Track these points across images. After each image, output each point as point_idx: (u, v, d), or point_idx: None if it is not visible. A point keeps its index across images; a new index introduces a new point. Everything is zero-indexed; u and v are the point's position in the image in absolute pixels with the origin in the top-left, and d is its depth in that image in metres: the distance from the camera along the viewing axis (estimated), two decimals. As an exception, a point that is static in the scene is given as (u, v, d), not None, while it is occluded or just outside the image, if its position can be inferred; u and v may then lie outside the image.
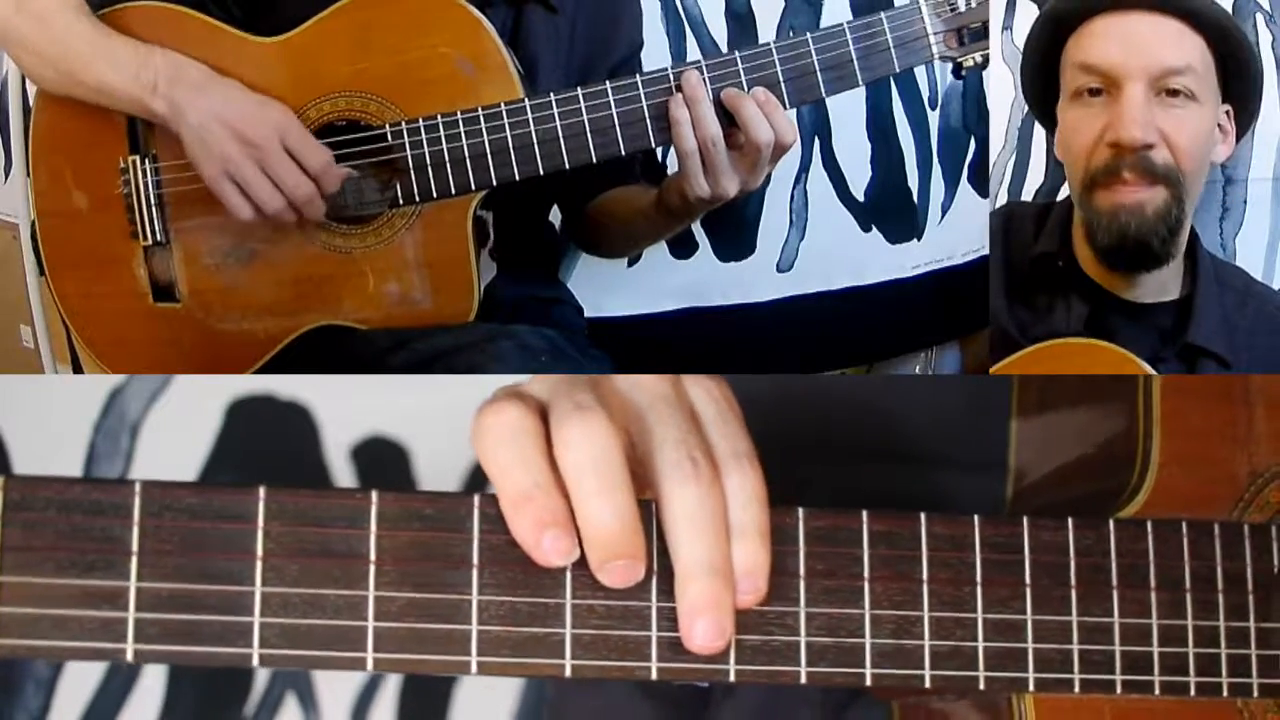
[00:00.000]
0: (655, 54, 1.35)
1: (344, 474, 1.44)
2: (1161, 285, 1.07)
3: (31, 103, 1.12)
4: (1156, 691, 0.65)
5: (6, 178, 1.47)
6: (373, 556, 0.58)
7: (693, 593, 0.59)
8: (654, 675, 0.60)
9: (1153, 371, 1.00)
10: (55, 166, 1.10)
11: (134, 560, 0.56)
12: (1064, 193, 1.15)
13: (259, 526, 0.57)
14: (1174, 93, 1.02)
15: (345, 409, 1.43)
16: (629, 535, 0.58)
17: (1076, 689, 0.64)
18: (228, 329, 1.10)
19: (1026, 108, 1.42)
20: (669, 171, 1.29)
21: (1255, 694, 0.67)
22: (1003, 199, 1.41)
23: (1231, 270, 1.16)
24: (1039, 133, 1.39)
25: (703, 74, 1.02)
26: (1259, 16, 1.34)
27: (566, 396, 0.59)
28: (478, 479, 1.39)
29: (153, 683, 1.41)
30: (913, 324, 1.56)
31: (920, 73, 1.51)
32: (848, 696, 0.82)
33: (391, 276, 1.07)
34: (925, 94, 1.52)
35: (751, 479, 0.60)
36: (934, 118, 1.53)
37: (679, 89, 1.02)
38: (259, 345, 1.10)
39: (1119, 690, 0.65)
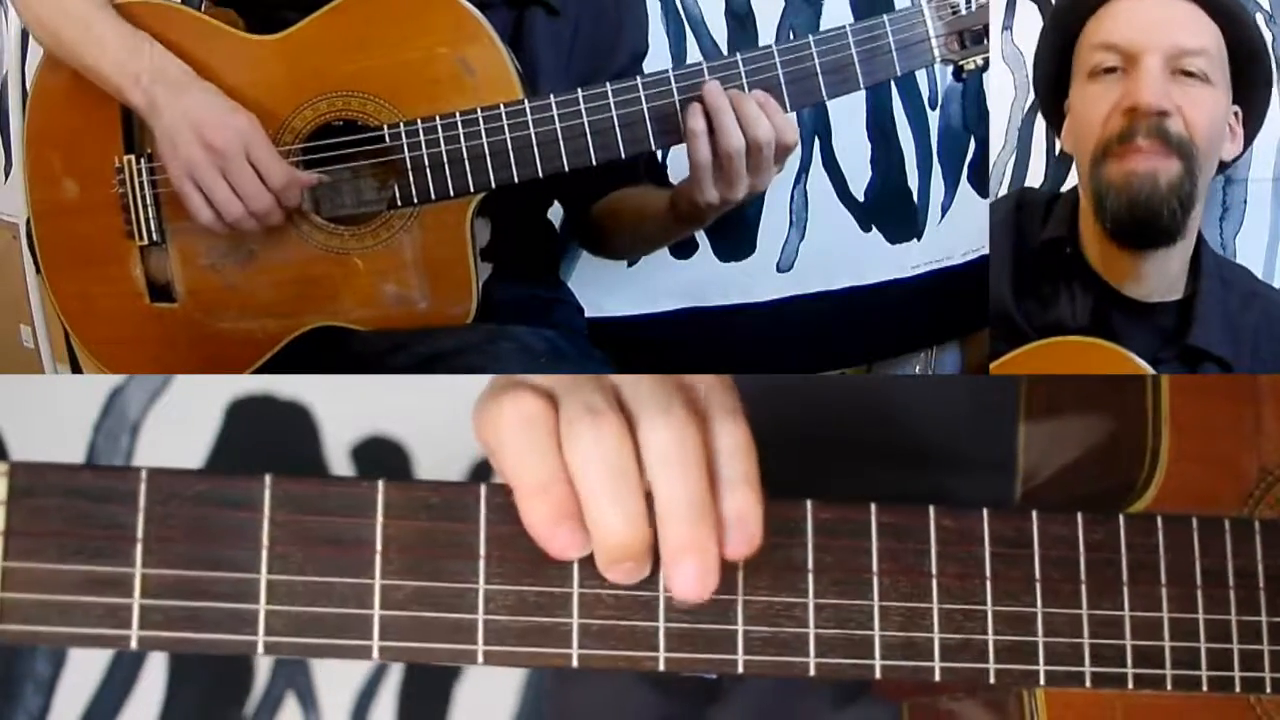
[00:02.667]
0: (655, 54, 1.35)
1: (344, 474, 1.43)
2: (1166, 283, 1.07)
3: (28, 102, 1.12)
4: (1168, 686, 0.65)
5: (6, 178, 1.47)
6: (379, 545, 0.58)
7: (673, 533, 0.57)
8: (661, 666, 0.60)
9: (1153, 372, 0.99)
10: (50, 166, 1.10)
11: (139, 547, 0.56)
12: (1066, 187, 1.15)
13: (265, 514, 0.57)
14: (1189, 73, 1.03)
15: (345, 409, 1.43)
16: (639, 540, 0.58)
17: (1088, 683, 0.64)
18: (225, 329, 1.09)
19: (1026, 107, 1.42)
20: (668, 171, 1.29)
21: (1268, 690, 0.67)
22: (1003, 199, 1.41)
23: (1236, 270, 1.16)
24: (1039, 132, 1.39)
25: (705, 77, 1.02)
26: (1259, 16, 1.34)
27: (577, 398, 0.58)
28: (479, 478, 1.38)
29: (153, 682, 1.41)
30: (913, 324, 1.56)
31: (920, 73, 1.51)
32: (855, 689, 0.82)
33: (390, 277, 1.07)
34: (925, 94, 1.52)
35: (740, 432, 0.59)
36: (934, 118, 1.53)
37: (698, 100, 1.00)
38: (257, 346, 1.10)
39: (1130, 685, 0.65)
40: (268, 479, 0.57)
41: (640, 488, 0.58)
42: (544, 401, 0.58)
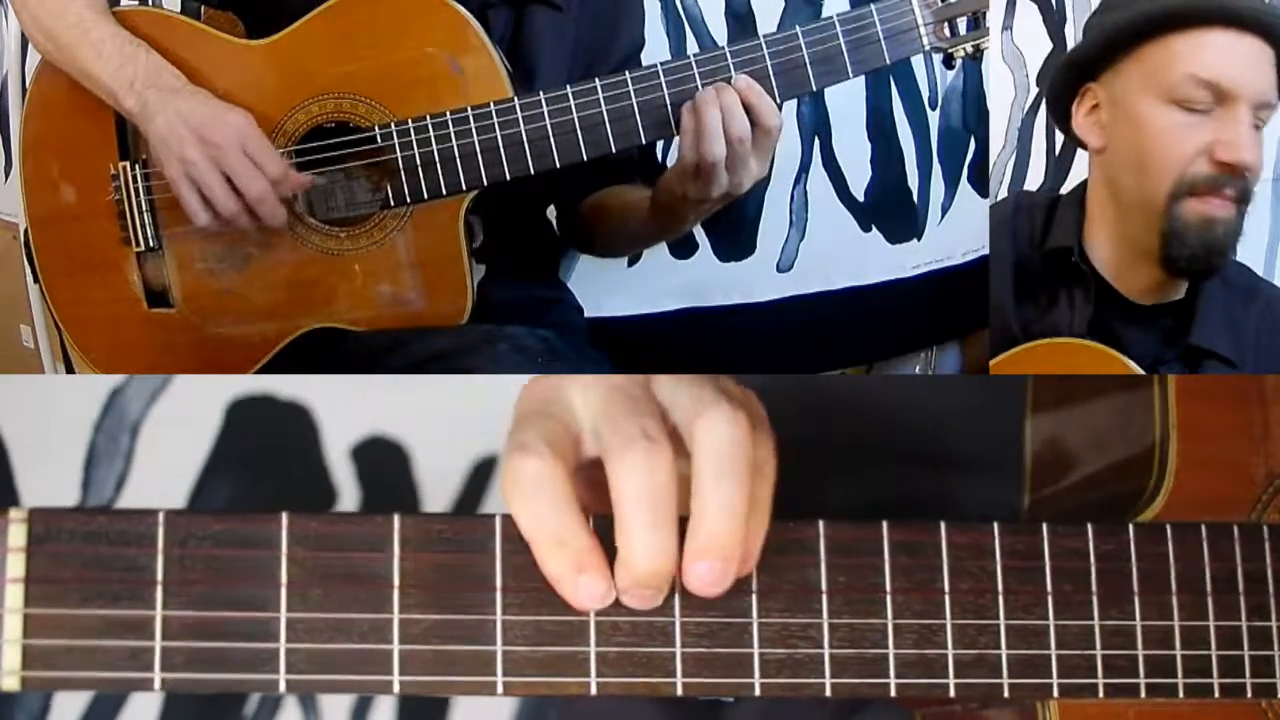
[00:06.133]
0: (656, 53, 1.34)
1: (344, 474, 1.44)
2: (1175, 290, 1.07)
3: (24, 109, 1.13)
4: (1180, 694, 0.65)
5: (6, 178, 1.47)
6: (396, 580, 0.58)
7: (706, 531, 0.58)
8: (679, 691, 0.60)
9: (1142, 373, 0.99)
10: (47, 173, 1.11)
11: (159, 589, 0.56)
12: (1065, 189, 1.14)
13: (283, 552, 0.57)
14: (1257, 125, 1.03)
15: (345, 409, 1.43)
16: (668, 570, 0.58)
17: (1101, 694, 0.64)
18: (222, 334, 1.10)
19: (1026, 107, 1.41)
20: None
21: (1279, 694, 0.67)
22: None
23: (1237, 268, 1.15)
24: (1039, 132, 1.39)
25: (694, 70, 1.02)
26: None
27: (633, 422, 0.58)
28: (479, 479, 1.39)
29: (153, 683, 1.41)
30: (913, 324, 1.56)
31: (920, 72, 1.51)
32: (861, 700, 0.82)
33: (384, 277, 1.07)
34: (925, 94, 1.51)
35: (772, 450, 0.60)
36: (934, 118, 1.52)
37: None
38: (254, 349, 1.10)
39: (1143, 694, 0.65)
40: (284, 517, 0.58)
41: (676, 519, 0.58)
42: (539, 460, 0.58)
